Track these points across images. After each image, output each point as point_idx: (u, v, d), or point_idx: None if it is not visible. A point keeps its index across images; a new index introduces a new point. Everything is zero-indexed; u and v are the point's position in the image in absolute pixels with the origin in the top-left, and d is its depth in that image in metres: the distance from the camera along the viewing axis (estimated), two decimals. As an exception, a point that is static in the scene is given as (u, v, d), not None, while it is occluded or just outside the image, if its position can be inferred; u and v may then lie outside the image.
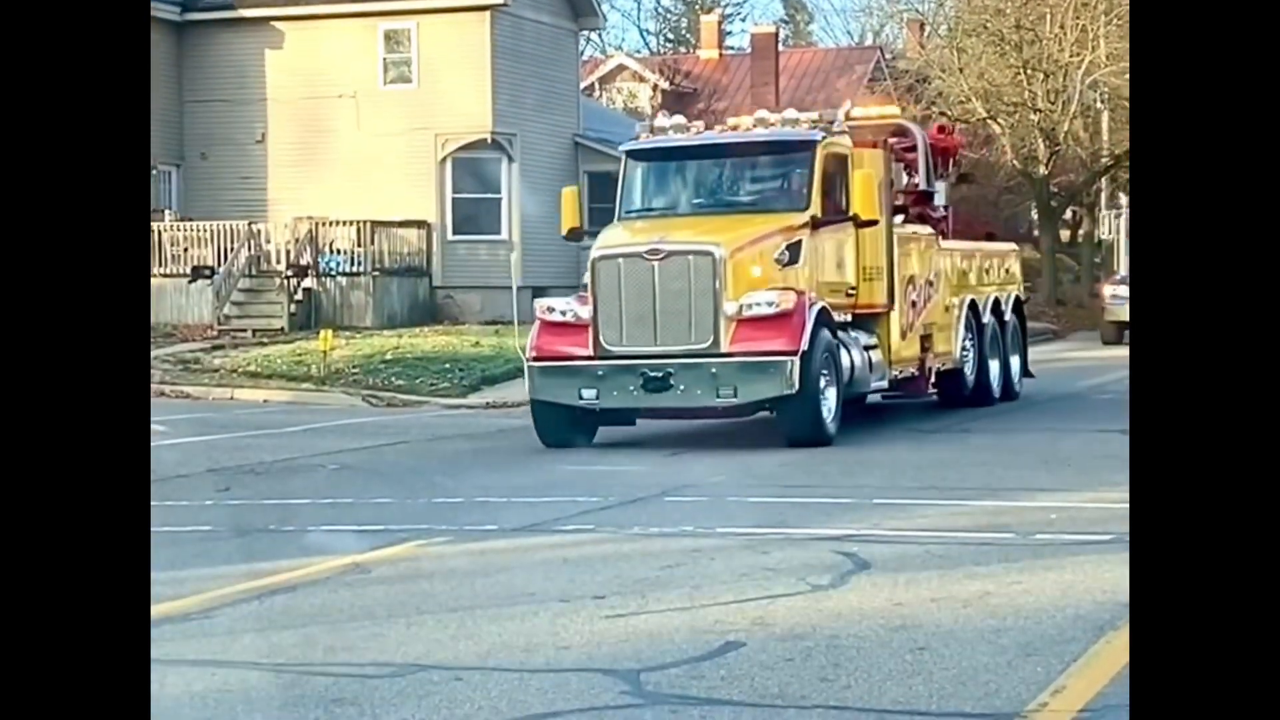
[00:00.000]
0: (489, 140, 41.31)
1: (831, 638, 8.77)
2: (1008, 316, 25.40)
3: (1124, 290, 38.89)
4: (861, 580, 10.45)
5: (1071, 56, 51.93)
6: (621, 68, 70.42)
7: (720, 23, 77.37)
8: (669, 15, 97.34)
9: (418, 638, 9.12)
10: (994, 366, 24.59)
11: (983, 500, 14.30)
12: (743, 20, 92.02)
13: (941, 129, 26.73)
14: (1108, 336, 41.61)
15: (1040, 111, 52.42)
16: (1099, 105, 55.97)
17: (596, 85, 66.02)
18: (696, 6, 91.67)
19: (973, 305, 24.01)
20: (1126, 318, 38.74)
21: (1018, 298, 26.16)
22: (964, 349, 23.64)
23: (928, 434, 20.75)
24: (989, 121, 54.09)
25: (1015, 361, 25.52)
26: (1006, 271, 26.18)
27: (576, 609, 9.72)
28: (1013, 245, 28.17)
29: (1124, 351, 33.46)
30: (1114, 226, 43.46)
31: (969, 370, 23.82)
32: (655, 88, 67.55)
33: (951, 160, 25.32)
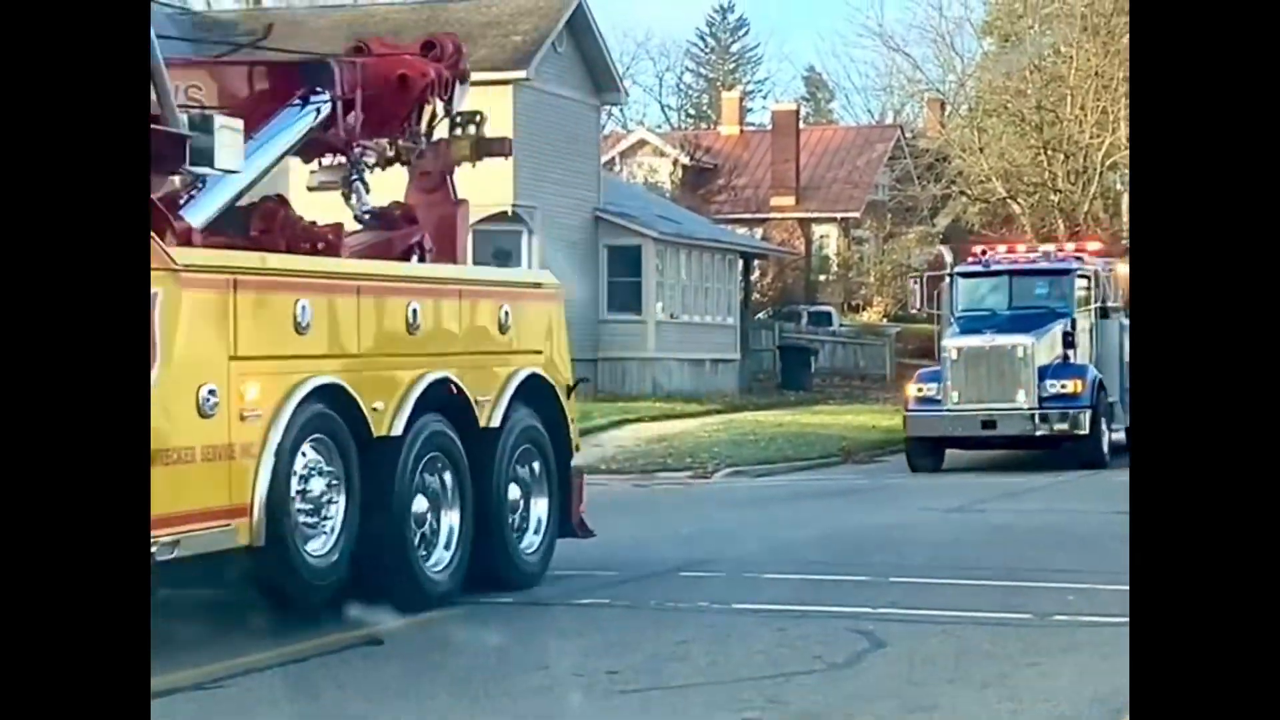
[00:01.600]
0: (509, 213, 41.42)
1: (847, 717, 8.72)
2: (496, 419, 12.84)
3: (931, 388, 26.93)
4: (877, 659, 10.40)
5: (1092, 138, 52.11)
6: (643, 143, 70.73)
7: (742, 99, 77.79)
8: (690, 91, 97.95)
9: (431, 710, 9.07)
10: (446, 524, 12.43)
11: (1000, 580, 14.23)
12: (764, 97, 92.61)
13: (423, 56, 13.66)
14: (917, 461, 27.16)
15: (1060, 192, 52.55)
16: (1119, 187, 56.10)
17: (617, 160, 66.30)
18: (718, 83, 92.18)
19: (339, 399, 11.28)
20: (935, 432, 26.74)
21: (536, 376, 13.40)
22: (290, 501, 10.90)
23: (945, 513, 20.67)
24: (1009, 201, 54.20)
25: (540, 508, 13.56)
26: (504, 328, 13.19)
27: (591, 683, 9.67)
28: (544, 278, 14.77)
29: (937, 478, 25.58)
30: (922, 295, 30.31)
31: (325, 544, 11.31)
32: (676, 163, 67.82)
33: (423, 104, 13.53)
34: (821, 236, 68.83)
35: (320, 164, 13.13)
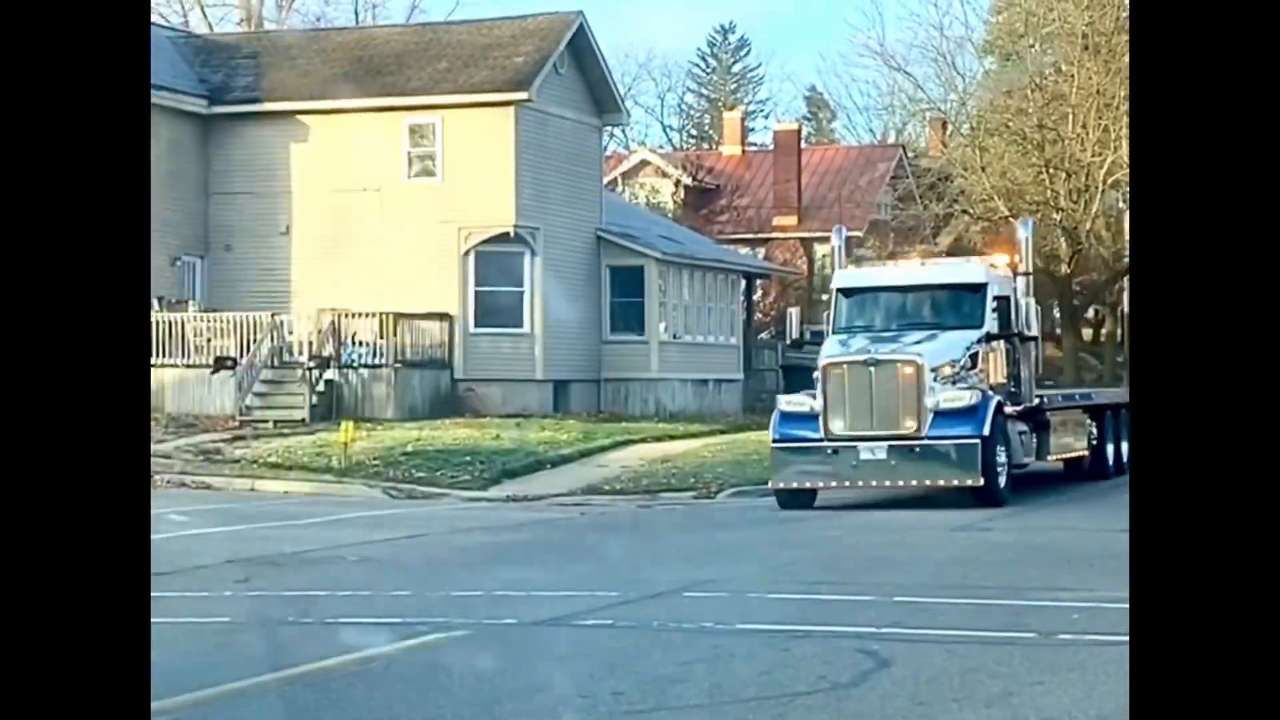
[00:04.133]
0: (512, 234, 41.45)
1: (852, 737, 8.69)
2: None
3: None
4: (883, 679, 10.38)
5: (1094, 156, 52.11)
6: (645, 163, 70.79)
7: (743, 120, 77.82)
8: (692, 112, 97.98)
9: (435, 732, 9.05)
10: None
11: (1004, 599, 14.21)
12: (765, 117, 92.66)
13: None
14: None
15: (1062, 211, 52.53)
16: (1121, 205, 56.09)
17: (619, 180, 66.35)
18: (720, 103, 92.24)
19: None
20: None
21: None
22: None
23: (950, 531, 20.66)
24: (1011, 220, 54.19)
25: None
26: None
27: (595, 705, 9.66)
28: None
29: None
30: None
31: None
32: (678, 183, 67.88)
33: None
34: (824, 256, 68.82)
35: None
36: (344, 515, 24.46)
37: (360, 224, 42.16)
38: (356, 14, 68.99)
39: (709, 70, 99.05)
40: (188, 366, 38.86)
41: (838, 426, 24.03)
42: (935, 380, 23.98)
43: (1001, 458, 24.15)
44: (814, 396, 24.57)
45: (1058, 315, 58.26)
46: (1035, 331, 26.34)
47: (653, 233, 48.26)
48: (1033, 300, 26.73)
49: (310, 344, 38.93)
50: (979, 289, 25.74)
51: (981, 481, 23.51)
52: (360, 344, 39.33)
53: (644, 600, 14.33)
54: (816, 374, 25.05)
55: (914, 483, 23.91)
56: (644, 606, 13.95)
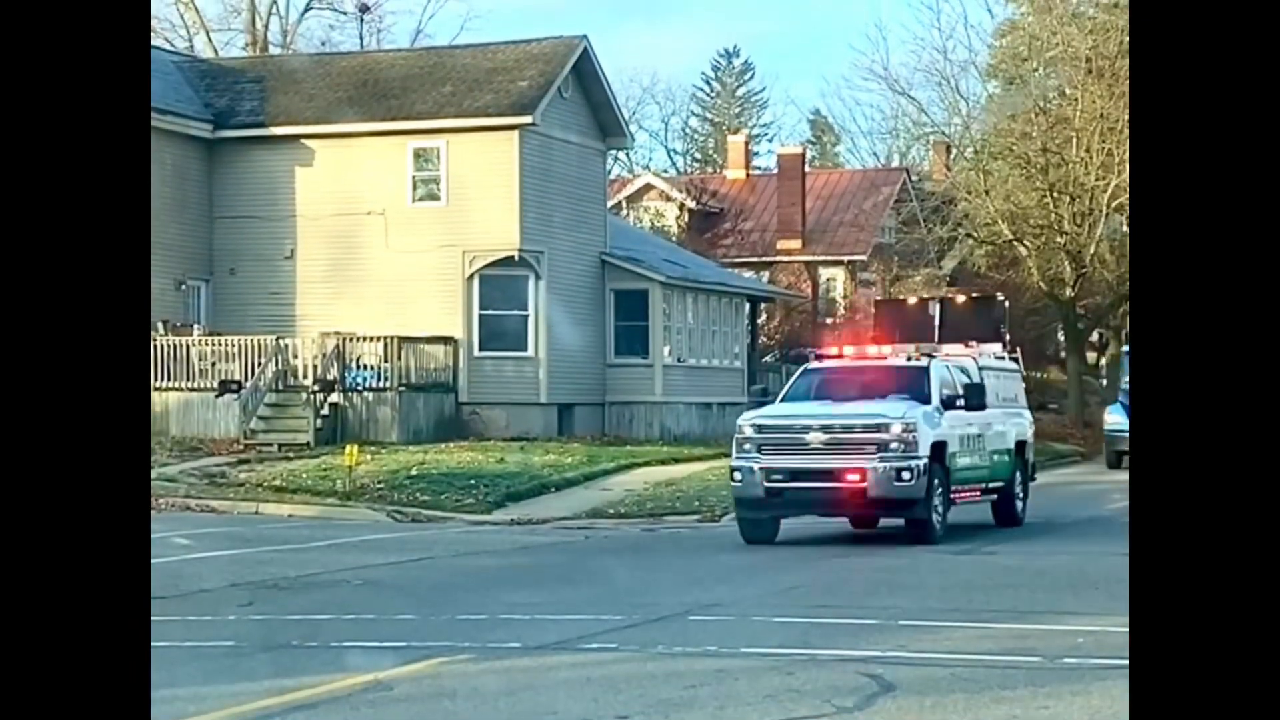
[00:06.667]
0: (516, 257, 41.49)
1: (857, 761, 8.67)
2: None
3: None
4: (887, 703, 10.37)
5: (1098, 180, 52.18)
6: (649, 187, 70.85)
7: (747, 143, 77.90)
8: (696, 136, 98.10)
9: (440, 756, 9.03)
10: None
11: (1009, 623, 14.20)
12: (770, 141, 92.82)
13: None
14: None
15: (1066, 234, 52.59)
16: (1125, 229, 56.17)
17: (624, 204, 66.40)
18: (724, 127, 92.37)
19: None
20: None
21: None
22: None
23: (954, 555, 20.64)
24: (1015, 243, 54.23)
25: None
26: None
27: (600, 729, 9.65)
28: None
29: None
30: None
31: None
32: (682, 207, 67.93)
33: None
34: (828, 279, 68.87)
35: None
36: (348, 539, 24.45)
37: (365, 248, 42.21)
38: (361, 39, 69.13)
39: (713, 94, 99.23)
40: (192, 390, 38.88)
41: None
42: None
43: None
44: None
45: (1061, 338, 58.28)
46: None
47: (657, 256, 48.29)
48: None
49: (315, 367, 38.94)
50: None
51: None
52: (365, 367, 39.35)
53: (648, 624, 14.33)
54: None
55: None
56: (648, 630, 13.94)
